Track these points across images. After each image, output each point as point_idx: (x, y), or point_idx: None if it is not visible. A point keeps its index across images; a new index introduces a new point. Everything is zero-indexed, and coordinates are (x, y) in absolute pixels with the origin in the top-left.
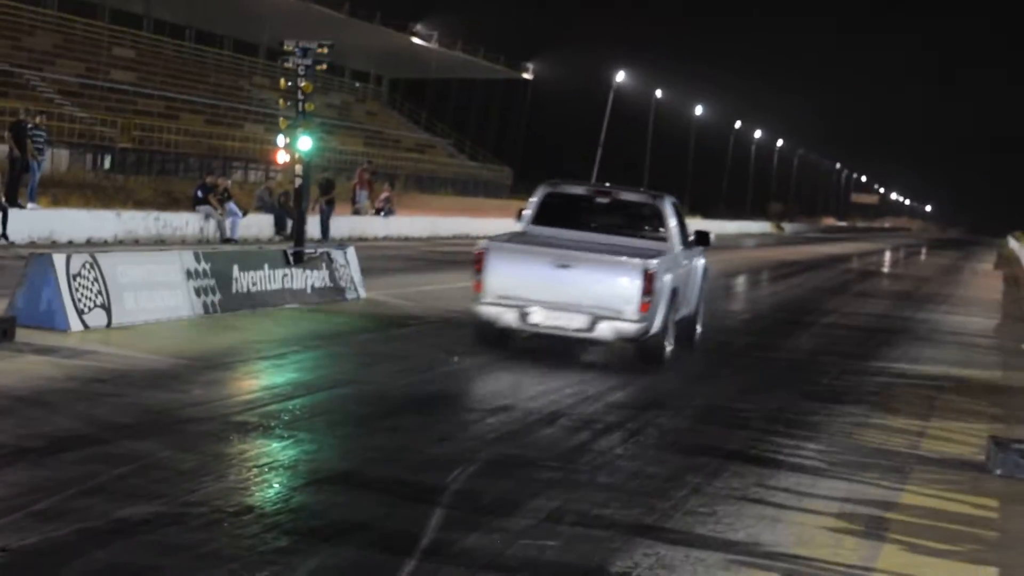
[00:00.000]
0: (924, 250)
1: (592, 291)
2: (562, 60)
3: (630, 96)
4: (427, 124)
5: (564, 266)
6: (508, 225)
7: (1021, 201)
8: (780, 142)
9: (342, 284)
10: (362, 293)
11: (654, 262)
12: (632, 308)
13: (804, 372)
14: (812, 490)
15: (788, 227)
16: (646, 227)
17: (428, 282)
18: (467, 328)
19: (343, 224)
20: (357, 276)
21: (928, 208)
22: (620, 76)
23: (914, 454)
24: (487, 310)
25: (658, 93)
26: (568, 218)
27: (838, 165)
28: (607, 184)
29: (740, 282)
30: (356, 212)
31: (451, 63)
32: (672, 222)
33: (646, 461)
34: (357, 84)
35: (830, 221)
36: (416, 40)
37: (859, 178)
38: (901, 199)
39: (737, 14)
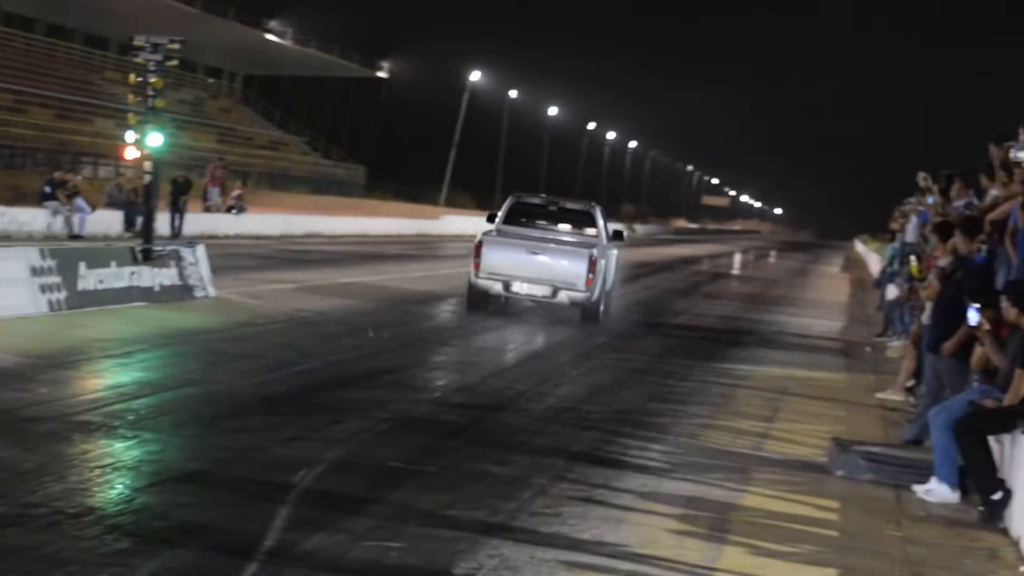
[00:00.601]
0: (773, 253)
1: (554, 270)
2: (418, 59)
3: (486, 96)
4: (281, 122)
5: (535, 253)
6: (365, 224)
7: (868, 205)
8: (633, 144)
9: (191, 282)
10: (212, 292)
11: (594, 250)
12: (581, 282)
13: (652, 374)
14: (657, 491)
15: (640, 228)
16: (583, 227)
17: (279, 281)
18: (319, 326)
19: (194, 222)
20: (207, 274)
21: (778, 211)
22: (475, 76)
23: (757, 455)
24: (482, 282)
25: (512, 93)
26: (529, 219)
27: (690, 167)
28: (554, 197)
29: None
30: (207, 210)
31: (306, 60)
32: (600, 223)
33: (493, 462)
34: (210, 80)
35: (682, 223)
36: (270, 37)
37: (710, 181)
38: (751, 202)
39: (592, 17)
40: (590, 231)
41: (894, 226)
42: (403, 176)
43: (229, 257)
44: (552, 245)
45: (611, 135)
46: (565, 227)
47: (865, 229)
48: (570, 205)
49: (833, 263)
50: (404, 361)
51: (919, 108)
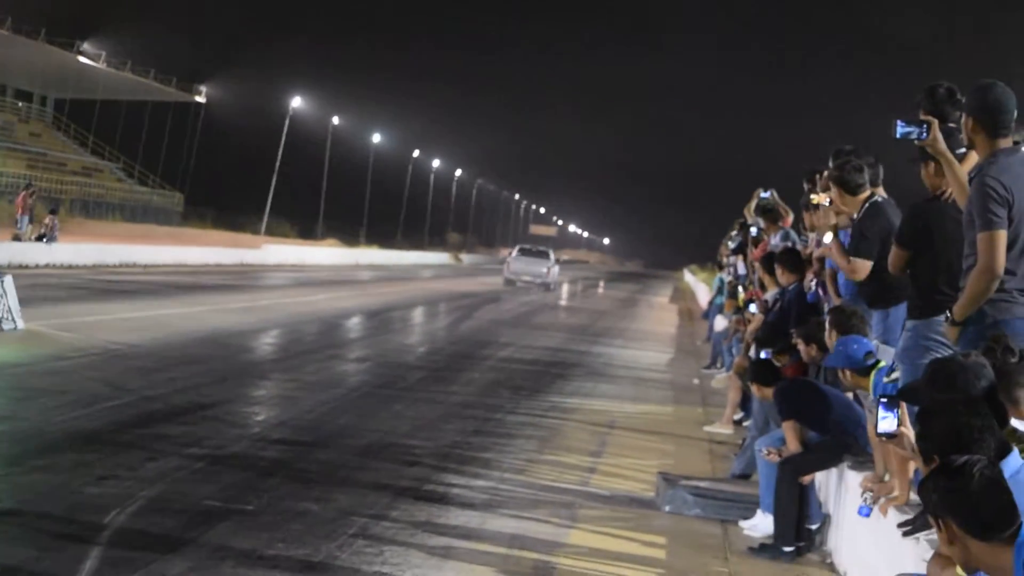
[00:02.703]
0: (602, 283)
1: (536, 270)
2: (238, 84)
3: (309, 122)
4: (95, 147)
5: (529, 263)
6: (182, 253)
7: (696, 235)
8: (459, 171)
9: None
10: (20, 324)
11: (550, 263)
12: (548, 275)
13: (478, 407)
14: (481, 528)
15: (467, 258)
16: (545, 255)
17: (92, 312)
18: (133, 360)
19: (2, 250)
20: (15, 305)
21: (606, 241)
22: (296, 101)
23: (584, 491)
24: (509, 276)
25: (335, 119)
26: (523, 252)
27: (517, 196)
28: (534, 244)
29: (417, 315)
30: (17, 238)
31: (120, 84)
32: (552, 257)
33: (313, 500)
34: (20, 104)
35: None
36: (83, 59)
37: (538, 210)
38: (580, 231)
39: (421, 44)
40: (548, 257)
41: (722, 258)
42: (223, 204)
43: (40, 288)
44: (534, 260)
45: (436, 163)
46: (538, 256)
47: (694, 259)
48: (541, 248)
49: (662, 293)
50: (222, 395)
51: (748, 140)
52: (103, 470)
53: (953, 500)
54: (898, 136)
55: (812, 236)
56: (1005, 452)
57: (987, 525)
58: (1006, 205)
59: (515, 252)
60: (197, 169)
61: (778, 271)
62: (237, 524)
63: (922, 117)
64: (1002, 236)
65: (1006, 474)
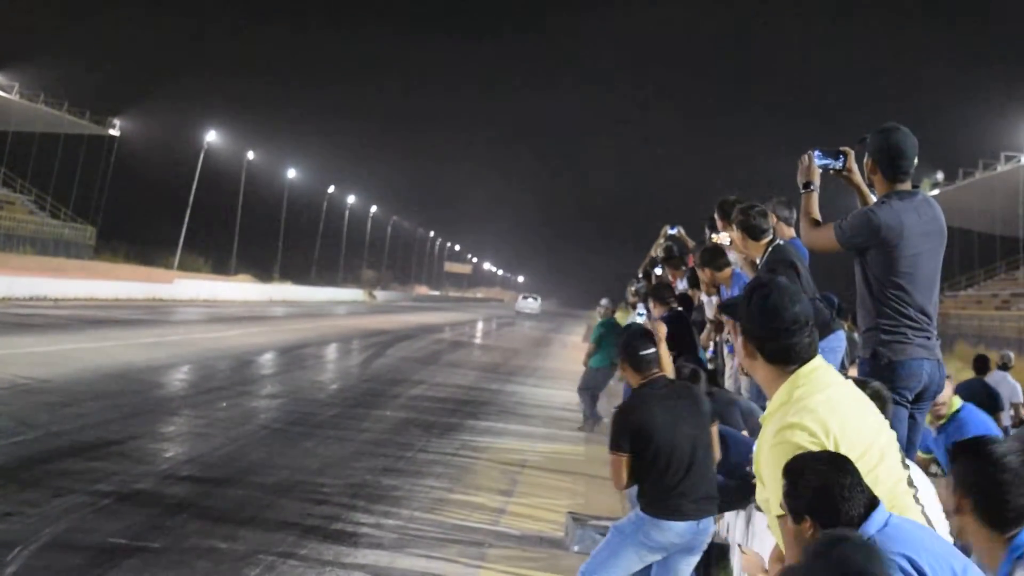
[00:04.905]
0: (516, 321)
1: (533, 304)
2: (152, 118)
3: (224, 157)
4: (6, 179)
5: (529, 302)
6: (94, 287)
7: (608, 273)
8: (374, 208)
9: None
10: None
11: (538, 301)
12: (537, 306)
13: (388, 445)
14: (390, 567)
15: (380, 295)
16: (536, 298)
17: (0, 346)
18: (40, 394)
19: None
20: None
21: (521, 279)
22: (211, 136)
23: (494, 530)
24: (518, 309)
25: (250, 155)
26: (525, 297)
27: (432, 233)
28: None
29: (330, 351)
30: None
31: (34, 116)
32: (539, 298)
33: (221, 537)
34: None
35: (423, 290)
36: None
37: (453, 247)
38: (494, 269)
39: (337, 80)
40: (537, 299)
41: (632, 298)
42: (135, 238)
43: None
44: (531, 300)
45: (351, 199)
46: (532, 298)
47: (604, 296)
48: (532, 294)
49: (575, 332)
50: (130, 432)
51: (656, 179)
52: (7, 506)
53: (984, 482)
54: (818, 165)
55: (707, 299)
56: (873, 507)
57: (1006, 518)
58: (867, 236)
59: (520, 296)
60: (110, 202)
61: (652, 304)
62: (143, 562)
63: (840, 149)
64: (830, 232)
65: (870, 531)
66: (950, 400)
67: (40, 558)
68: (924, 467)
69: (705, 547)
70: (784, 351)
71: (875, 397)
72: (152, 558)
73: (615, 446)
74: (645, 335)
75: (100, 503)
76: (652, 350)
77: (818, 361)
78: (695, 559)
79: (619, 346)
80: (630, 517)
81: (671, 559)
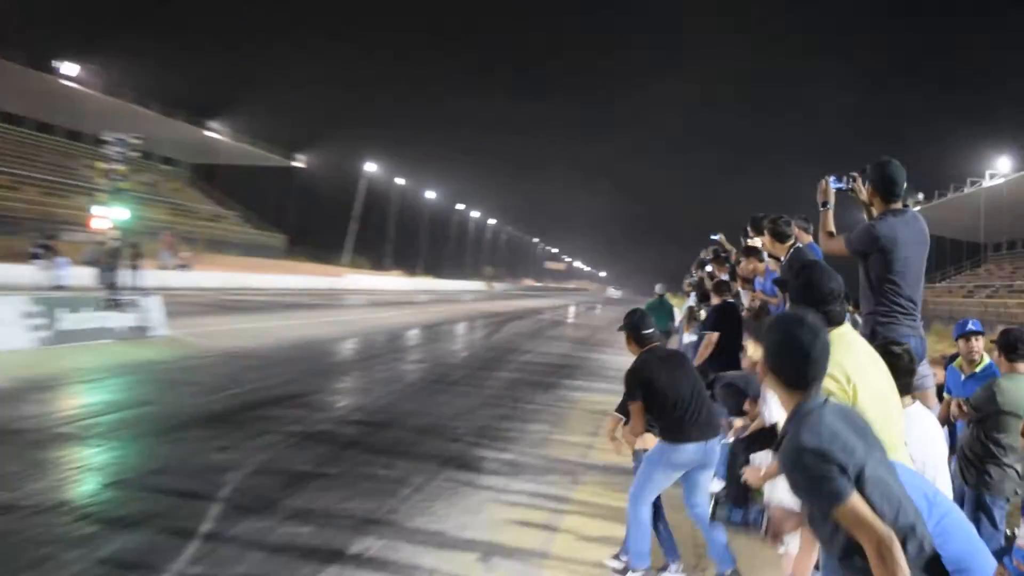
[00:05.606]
0: (599, 306)
1: (616, 293)
2: (326, 152)
3: (380, 181)
4: (219, 200)
5: (614, 291)
6: (285, 280)
7: (670, 266)
8: (492, 220)
9: (149, 324)
10: (164, 331)
11: (620, 290)
12: (619, 295)
13: (505, 398)
14: (507, 489)
15: (497, 286)
16: (619, 288)
17: (216, 324)
18: (247, 359)
19: (151, 277)
20: (160, 318)
21: (602, 273)
22: (370, 167)
23: (583, 462)
24: (608, 296)
25: (400, 180)
26: (613, 287)
27: (536, 240)
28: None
29: (460, 328)
30: (162, 268)
31: (239, 152)
32: (620, 289)
33: (381, 466)
34: (164, 167)
35: (529, 282)
36: (211, 134)
37: (552, 250)
38: (583, 266)
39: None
40: (618, 289)
41: (687, 288)
42: (315, 243)
43: (178, 305)
44: (614, 289)
45: (475, 213)
46: (616, 287)
47: (671, 288)
48: (617, 286)
49: None
50: (313, 387)
51: (713, 197)
52: (226, 442)
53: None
54: (833, 188)
55: (743, 292)
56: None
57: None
58: (869, 244)
59: (610, 288)
60: (295, 216)
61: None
62: (324, 484)
63: (849, 173)
64: (841, 242)
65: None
66: (982, 353)
67: (250, 479)
68: (957, 408)
69: (715, 463)
70: (822, 317)
71: (906, 353)
72: (330, 481)
73: (631, 396)
74: (646, 317)
75: (291, 440)
76: (652, 329)
77: (846, 327)
78: (711, 472)
79: (625, 324)
80: (655, 448)
81: (692, 474)
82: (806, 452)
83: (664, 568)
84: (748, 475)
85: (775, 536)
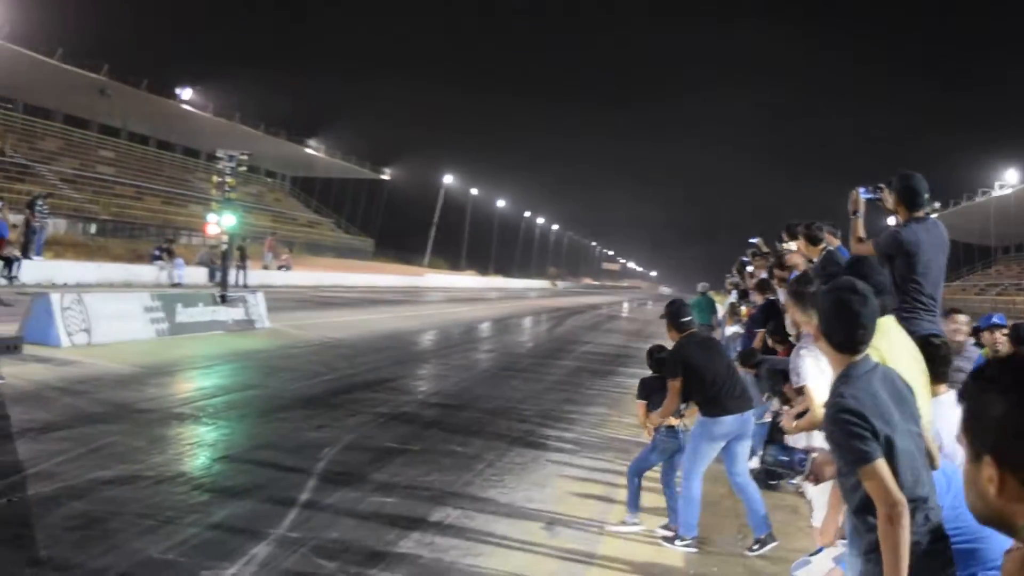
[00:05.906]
0: (650, 302)
1: (667, 290)
2: (410, 165)
3: (456, 190)
4: (316, 208)
5: (665, 288)
6: (372, 279)
7: (714, 266)
8: (555, 226)
9: (254, 317)
10: (267, 324)
11: (670, 288)
12: (670, 292)
13: (567, 384)
14: (568, 464)
15: (560, 284)
16: (670, 286)
17: (313, 317)
18: (340, 349)
19: (255, 276)
20: (264, 312)
21: (653, 273)
22: (447, 178)
23: (638, 441)
24: (662, 291)
25: (474, 191)
26: (664, 286)
27: (593, 243)
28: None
29: (526, 322)
30: (265, 268)
31: (333, 166)
32: (671, 286)
33: (457, 444)
34: (268, 179)
35: (588, 281)
36: (309, 151)
37: (608, 252)
38: (635, 266)
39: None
40: (670, 286)
41: (728, 286)
42: (399, 246)
43: (279, 301)
44: (666, 287)
45: (541, 219)
46: (667, 286)
47: (712, 285)
48: (667, 284)
49: None
50: (398, 374)
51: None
52: (321, 421)
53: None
54: (863, 198)
55: (780, 290)
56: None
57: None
58: (895, 249)
59: (661, 286)
60: (383, 222)
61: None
62: (408, 459)
63: (878, 185)
64: (870, 246)
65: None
66: (1006, 343)
67: (342, 454)
68: None
69: (751, 433)
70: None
71: (944, 345)
72: (413, 457)
73: (672, 375)
74: (684, 306)
75: (379, 420)
76: (689, 318)
77: (889, 318)
78: (748, 442)
79: (666, 312)
80: (696, 424)
81: (730, 445)
82: (846, 411)
83: (623, 523)
84: (784, 420)
85: (816, 479)
